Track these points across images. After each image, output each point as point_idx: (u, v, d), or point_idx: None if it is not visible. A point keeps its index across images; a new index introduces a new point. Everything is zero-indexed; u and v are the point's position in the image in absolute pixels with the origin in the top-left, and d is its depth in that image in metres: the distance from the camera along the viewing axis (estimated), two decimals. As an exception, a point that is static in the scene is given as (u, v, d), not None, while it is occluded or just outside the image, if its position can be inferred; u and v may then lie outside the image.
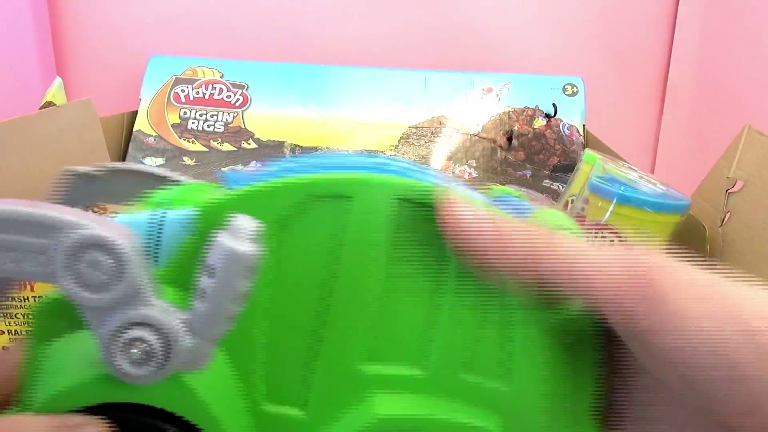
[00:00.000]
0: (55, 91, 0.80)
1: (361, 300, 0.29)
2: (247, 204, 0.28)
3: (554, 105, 0.94)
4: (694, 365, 0.24)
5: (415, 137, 0.93)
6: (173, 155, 0.90)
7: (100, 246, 0.23)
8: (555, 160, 0.91)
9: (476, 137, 0.93)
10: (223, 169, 0.90)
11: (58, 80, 0.81)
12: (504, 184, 0.86)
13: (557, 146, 0.92)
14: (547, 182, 0.90)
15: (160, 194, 0.31)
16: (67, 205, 0.29)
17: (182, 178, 0.37)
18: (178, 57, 0.99)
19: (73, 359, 0.27)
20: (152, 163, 0.90)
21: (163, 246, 0.28)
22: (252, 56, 1.03)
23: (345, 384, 0.29)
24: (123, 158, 0.90)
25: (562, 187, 0.88)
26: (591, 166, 0.59)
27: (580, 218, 0.56)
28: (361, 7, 1.07)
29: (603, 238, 0.55)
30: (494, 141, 0.93)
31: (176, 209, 0.29)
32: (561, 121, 0.93)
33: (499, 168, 0.91)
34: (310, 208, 0.28)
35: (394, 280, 0.29)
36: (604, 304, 0.26)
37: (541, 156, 0.92)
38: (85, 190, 0.39)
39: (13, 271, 0.23)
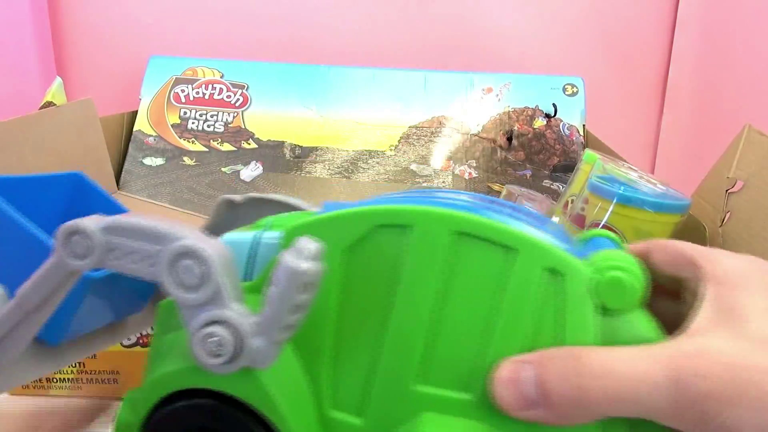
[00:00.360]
0: (55, 91, 0.80)
1: (417, 322, 0.31)
2: (322, 229, 0.32)
3: (554, 105, 0.94)
4: None
5: (415, 137, 0.93)
6: (173, 155, 0.90)
7: (192, 255, 0.28)
8: (555, 160, 0.91)
9: (476, 137, 0.93)
10: (223, 169, 0.90)
11: (58, 80, 0.82)
12: (504, 184, 0.86)
13: (557, 146, 0.92)
14: (547, 182, 0.90)
15: (267, 218, 0.37)
16: (214, 227, 0.44)
17: (308, 206, 0.43)
18: (178, 57, 0.99)
19: (177, 349, 0.32)
20: (152, 163, 0.90)
21: (258, 262, 0.34)
22: (252, 56, 1.03)
23: (400, 400, 0.32)
24: (123, 158, 0.90)
25: (562, 187, 0.88)
26: (591, 166, 0.59)
27: (579, 218, 0.56)
28: (361, 8, 1.07)
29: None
30: (494, 141, 0.93)
31: (272, 231, 0.34)
32: (561, 121, 0.93)
33: (499, 168, 0.91)
34: (376, 234, 0.32)
35: (450, 305, 0.31)
36: (665, 421, 0.28)
37: (541, 156, 0.92)
38: (231, 215, 0.45)
39: (134, 269, 0.30)
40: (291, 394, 0.31)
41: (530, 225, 0.33)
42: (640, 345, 0.29)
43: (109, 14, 1.07)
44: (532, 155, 0.92)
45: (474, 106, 0.95)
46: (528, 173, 0.91)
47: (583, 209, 0.56)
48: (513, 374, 0.29)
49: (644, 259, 0.35)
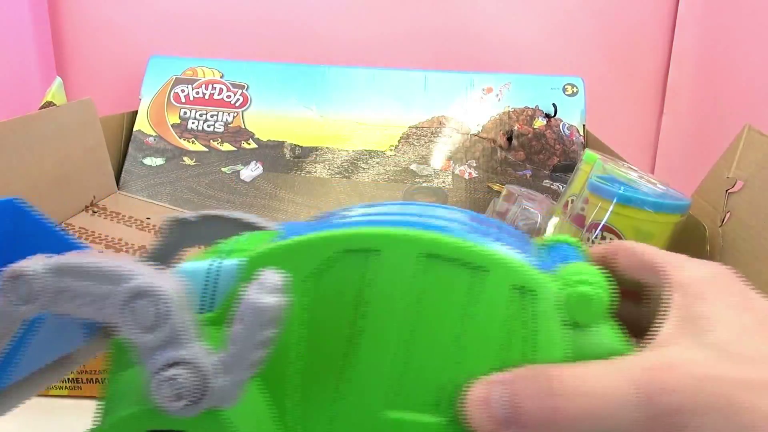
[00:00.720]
0: (55, 91, 0.80)
1: (386, 347, 0.31)
2: (285, 257, 0.31)
3: (554, 105, 0.94)
4: None
5: (415, 137, 0.93)
6: (173, 155, 0.91)
7: (147, 295, 0.26)
8: (555, 160, 0.91)
9: (476, 137, 0.93)
10: (223, 169, 0.90)
11: (58, 80, 0.82)
12: (504, 184, 0.86)
13: (557, 146, 0.92)
14: (547, 182, 0.90)
15: (225, 243, 0.35)
16: (163, 248, 0.41)
17: (268, 224, 0.41)
18: (178, 57, 0.99)
19: (134, 389, 0.30)
20: (152, 163, 0.90)
21: (219, 292, 0.32)
22: (252, 56, 1.03)
23: (369, 427, 0.31)
24: (123, 158, 0.90)
25: (562, 187, 0.88)
26: (591, 166, 0.59)
27: (579, 218, 0.56)
28: (361, 8, 1.07)
29: (603, 238, 0.55)
30: (494, 141, 0.93)
31: (232, 258, 0.32)
32: (561, 121, 0.93)
33: (499, 168, 0.91)
34: (340, 260, 0.31)
35: (420, 328, 0.30)
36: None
37: (541, 156, 0.92)
38: (182, 234, 0.42)
39: (85, 313, 0.28)
40: (257, 429, 0.30)
41: (502, 242, 0.32)
42: (609, 358, 0.29)
43: (109, 14, 1.07)
44: (532, 155, 0.92)
45: (474, 106, 0.95)
46: (528, 173, 0.91)
47: (583, 209, 0.56)
48: (484, 395, 0.29)
49: (609, 262, 0.35)
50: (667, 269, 0.32)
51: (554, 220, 0.62)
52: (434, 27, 1.08)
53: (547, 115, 0.94)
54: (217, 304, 0.32)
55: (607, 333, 0.30)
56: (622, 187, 0.55)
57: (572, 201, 0.58)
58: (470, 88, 0.96)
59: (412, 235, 0.30)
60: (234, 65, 0.98)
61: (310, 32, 1.08)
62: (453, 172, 0.91)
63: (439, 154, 0.92)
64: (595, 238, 0.55)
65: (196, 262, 0.33)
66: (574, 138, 0.92)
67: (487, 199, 0.88)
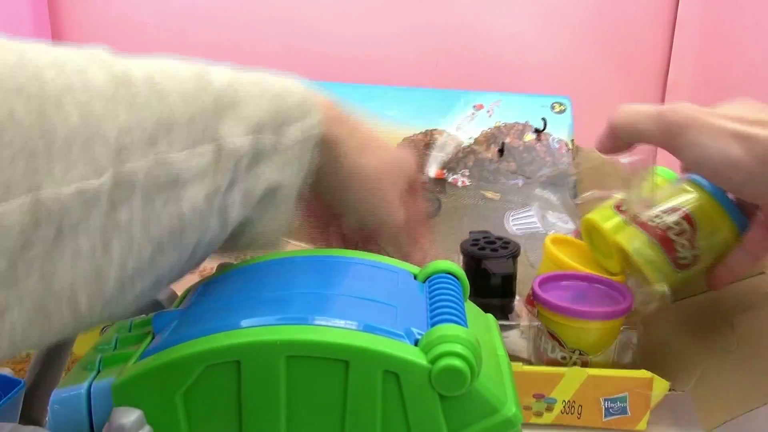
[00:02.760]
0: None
1: None
2: (155, 379, 0.31)
3: (544, 119, 0.96)
4: None
5: (408, 148, 0.95)
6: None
7: None
8: (545, 170, 0.93)
9: (469, 149, 0.95)
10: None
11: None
12: (497, 192, 0.88)
13: (547, 158, 0.94)
14: (538, 191, 0.92)
15: (91, 355, 0.35)
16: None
17: (158, 295, 0.42)
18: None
19: None
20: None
21: (96, 414, 0.32)
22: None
23: None
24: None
25: (553, 195, 0.90)
26: (667, 180, 0.59)
27: (644, 225, 0.56)
28: (356, 27, 1.09)
29: (678, 224, 0.54)
30: (486, 152, 0.94)
31: (101, 378, 0.32)
32: (550, 135, 0.95)
33: (491, 177, 0.93)
34: (209, 374, 0.31)
35: (299, 428, 0.32)
36: (653, 141, 0.49)
37: (532, 167, 0.93)
38: None
39: None
40: None
41: (379, 303, 0.34)
42: (491, 406, 0.31)
43: (108, 16, 1.09)
44: (523, 166, 0.94)
45: (466, 122, 0.96)
46: (519, 182, 0.93)
47: (662, 219, 0.55)
48: None
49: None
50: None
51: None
52: (429, 46, 1.09)
53: (537, 130, 0.95)
54: (96, 424, 0.32)
55: (481, 393, 0.31)
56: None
57: (634, 203, 0.57)
58: (462, 105, 0.97)
59: (271, 342, 0.30)
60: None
61: (305, 50, 1.10)
62: (447, 181, 0.93)
63: (433, 163, 0.94)
64: (675, 224, 0.55)
65: (71, 386, 0.33)
66: (563, 151, 0.94)
67: (480, 206, 0.90)
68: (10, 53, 0.27)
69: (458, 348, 0.30)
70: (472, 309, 0.40)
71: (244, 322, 0.32)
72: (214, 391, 0.31)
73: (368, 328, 0.32)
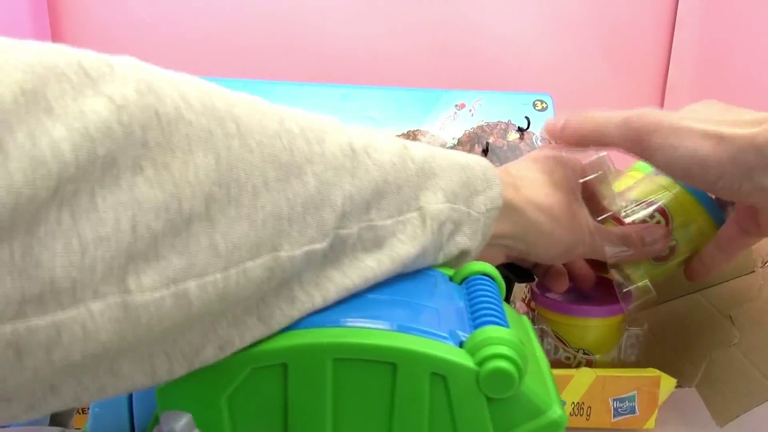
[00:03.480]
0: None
1: None
2: (200, 381, 0.31)
3: (527, 118, 0.95)
4: None
5: (391, 149, 0.94)
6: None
7: None
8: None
9: (452, 149, 0.94)
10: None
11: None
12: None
13: (531, 158, 0.93)
14: (524, 192, 0.91)
15: None
16: None
17: None
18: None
19: None
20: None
21: (138, 417, 0.33)
22: (225, 74, 1.04)
23: None
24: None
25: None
26: (642, 173, 0.60)
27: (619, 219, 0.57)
28: (335, 27, 1.08)
29: (652, 217, 0.55)
30: (470, 153, 0.94)
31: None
32: (534, 134, 0.94)
33: (475, 179, 0.92)
34: (255, 377, 0.31)
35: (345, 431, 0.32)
36: (620, 147, 0.48)
37: (517, 167, 0.93)
38: None
39: None
40: None
41: (411, 311, 0.34)
42: (537, 408, 0.32)
43: (104, 20, 1.09)
44: (507, 167, 0.93)
45: (448, 121, 0.96)
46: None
47: (625, 207, 0.57)
48: None
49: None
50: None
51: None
52: (412, 45, 1.09)
53: (520, 129, 0.94)
54: (138, 427, 0.33)
55: (530, 394, 0.32)
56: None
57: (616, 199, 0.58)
58: (443, 105, 0.97)
59: (318, 345, 0.31)
60: (212, 81, 0.99)
61: (283, 51, 1.09)
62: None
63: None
64: (649, 217, 0.56)
65: None
66: (548, 151, 0.93)
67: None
68: (273, 122, 0.31)
69: (505, 350, 0.31)
70: (508, 310, 0.40)
71: (289, 326, 0.32)
72: (259, 394, 0.31)
73: (414, 330, 0.32)
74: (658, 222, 0.55)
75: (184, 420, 0.29)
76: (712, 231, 0.55)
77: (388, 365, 0.31)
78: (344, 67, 1.08)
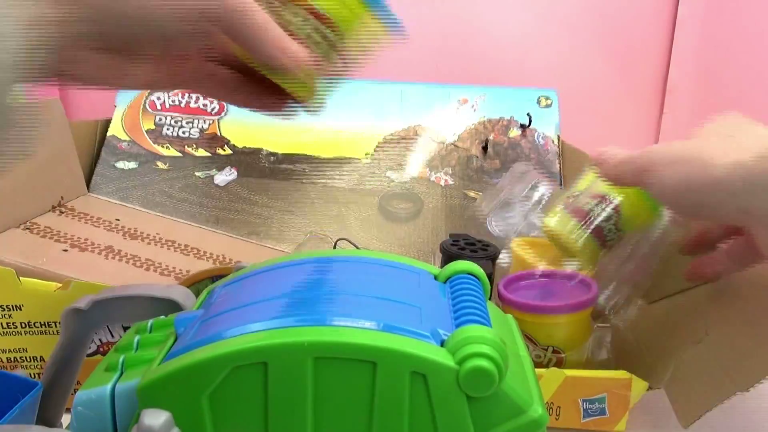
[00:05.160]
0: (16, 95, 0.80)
1: None
2: (180, 381, 0.31)
3: (529, 115, 0.94)
4: None
5: (391, 145, 0.93)
6: (146, 159, 0.91)
7: None
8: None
9: (452, 146, 0.93)
10: (197, 173, 0.91)
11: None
12: (479, 191, 0.86)
13: (532, 155, 0.92)
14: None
15: (113, 357, 0.36)
16: (68, 344, 0.43)
17: (174, 294, 0.42)
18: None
19: None
20: (124, 167, 0.91)
21: (120, 416, 0.33)
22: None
23: None
24: (95, 162, 0.91)
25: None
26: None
27: (580, 212, 0.58)
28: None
29: (603, 210, 0.56)
30: (470, 150, 0.93)
31: (125, 380, 0.33)
32: (536, 131, 0.93)
33: (474, 176, 0.91)
34: (236, 376, 0.31)
35: (325, 429, 0.32)
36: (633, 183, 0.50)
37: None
38: (80, 324, 0.43)
39: None
40: None
41: (403, 303, 0.34)
42: (518, 407, 0.32)
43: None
44: (507, 164, 0.92)
45: (450, 117, 0.95)
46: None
47: (586, 203, 0.57)
48: None
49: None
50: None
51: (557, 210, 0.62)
52: (416, 39, 1.07)
53: (522, 126, 0.93)
54: (121, 426, 0.33)
55: (507, 394, 0.32)
56: None
57: (575, 197, 0.60)
58: (446, 100, 0.96)
59: (298, 343, 0.31)
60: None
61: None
62: (429, 179, 0.91)
63: (416, 161, 0.92)
64: (602, 211, 0.57)
65: (95, 388, 0.33)
66: (549, 147, 0.92)
67: (462, 205, 0.88)
68: None
69: (485, 349, 0.31)
70: (492, 309, 0.40)
71: (270, 324, 0.32)
72: (240, 392, 0.31)
73: (395, 329, 0.32)
74: (610, 216, 0.56)
75: (163, 418, 0.29)
76: (657, 214, 0.57)
77: (368, 364, 0.31)
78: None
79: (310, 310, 0.33)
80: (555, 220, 0.58)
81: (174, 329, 0.36)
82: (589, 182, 0.59)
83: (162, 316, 0.40)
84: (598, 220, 0.56)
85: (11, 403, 0.42)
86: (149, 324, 0.39)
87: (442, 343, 0.32)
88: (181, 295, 0.43)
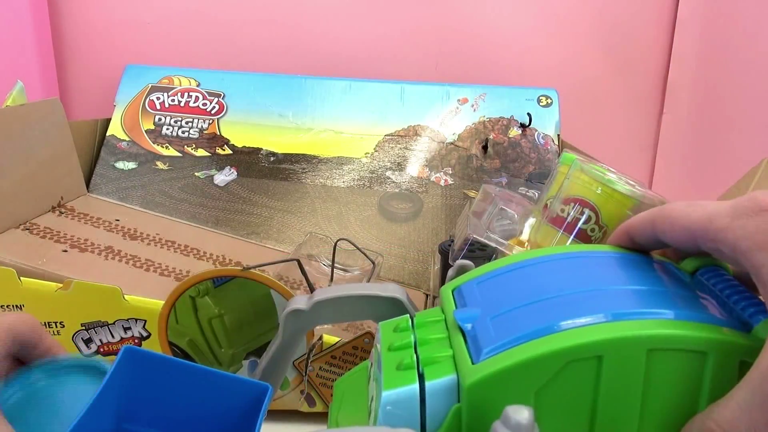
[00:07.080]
0: (16, 95, 0.80)
1: None
2: (509, 378, 0.31)
3: (529, 114, 0.94)
4: None
5: (390, 145, 0.93)
6: (146, 159, 0.91)
7: None
8: (530, 168, 0.91)
9: (452, 146, 0.93)
10: (196, 173, 0.91)
11: (19, 84, 0.81)
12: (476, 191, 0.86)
13: (532, 155, 0.92)
14: (522, 189, 0.90)
15: (396, 355, 0.36)
16: (287, 343, 0.44)
17: (396, 293, 0.43)
18: (154, 66, 1.00)
19: None
20: (124, 167, 0.91)
21: (431, 413, 0.33)
22: (229, 67, 1.03)
23: None
24: (94, 162, 0.91)
25: (538, 193, 0.88)
26: (568, 167, 0.60)
27: (558, 220, 0.57)
28: (338, 20, 1.07)
29: (581, 213, 0.56)
30: (469, 149, 0.92)
31: (433, 378, 0.33)
32: (536, 130, 0.93)
33: (474, 175, 0.91)
34: (567, 371, 0.31)
35: (648, 419, 0.32)
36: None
37: (517, 164, 0.91)
38: (298, 325, 0.44)
39: None
40: None
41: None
42: None
43: (107, 16, 1.08)
44: (507, 163, 0.92)
45: (450, 116, 0.95)
46: (503, 180, 0.91)
47: (562, 210, 0.57)
48: None
49: (650, 230, 0.41)
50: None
51: (531, 221, 0.63)
52: (412, 39, 1.08)
53: (522, 125, 0.93)
54: (430, 424, 0.33)
55: None
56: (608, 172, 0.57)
57: (550, 203, 0.59)
58: (446, 99, 0.96)
59: (635, 336, 0.31)
60: (211, 75, 0.99)
61: (288, 44, 1.08)
62: (429, 179, 0.91)
63: (415, 161, 0.92)
64: (580, 215, 0.56)
65: (401, 388, 0.33)
66: (549, 147, 0.92)
67: (462, 205, 0.88)
68: None
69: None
70: None
71: (599, 318, 0.32)
72: (569, 387, 0.31)
73: (715, 321, 0.32)
74: (590, 218, 0.56)
75: (526, 413, 0.28)
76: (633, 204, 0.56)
77: (700, 354, 0.31)
78: (347, 60, 1.07)
79: (638, 303, 0.33)
80: (539, 235, 0.59)
81: (457, 326, 0.36)
82: (558, 186, 0.59)
83: (397, 317, 0.39)
84: (579, 223, 0.56)
85: (238, 403, 0.40)
86: (393, 324, 0.39)
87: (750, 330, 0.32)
88: (403, 293, 0.44)
